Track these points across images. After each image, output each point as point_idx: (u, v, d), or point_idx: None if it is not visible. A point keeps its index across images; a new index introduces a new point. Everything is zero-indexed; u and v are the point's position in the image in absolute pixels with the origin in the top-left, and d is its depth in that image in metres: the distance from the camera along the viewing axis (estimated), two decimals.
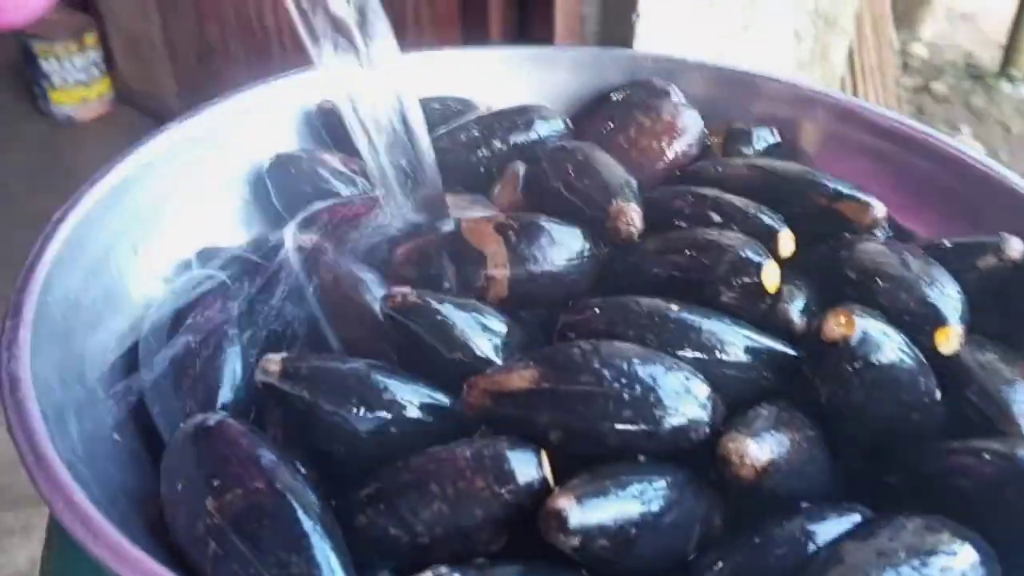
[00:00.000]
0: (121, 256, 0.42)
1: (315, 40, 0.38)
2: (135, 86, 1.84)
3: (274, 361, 0.35)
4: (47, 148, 1.73)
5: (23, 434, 0.30)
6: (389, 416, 0.35)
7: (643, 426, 0.33)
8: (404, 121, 0.43)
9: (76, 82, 1.79)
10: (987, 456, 0.33)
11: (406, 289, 0.38)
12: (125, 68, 1.85)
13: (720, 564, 0.31)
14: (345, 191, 0.48)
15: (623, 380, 0.34)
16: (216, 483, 0.31)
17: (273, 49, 1.48)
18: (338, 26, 0.40)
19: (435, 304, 0.38)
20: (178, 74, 1.70)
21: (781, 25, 1.24)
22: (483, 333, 0.38)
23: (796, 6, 1.24)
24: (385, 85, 0.42)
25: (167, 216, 0.45)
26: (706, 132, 0.52)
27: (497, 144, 0.50)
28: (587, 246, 0.43)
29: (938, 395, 0.36)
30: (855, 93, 1.66)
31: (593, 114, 0.55)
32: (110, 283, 0.41)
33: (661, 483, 0.32)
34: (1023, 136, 2.23)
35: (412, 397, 0.36)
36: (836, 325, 0.35)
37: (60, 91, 1.79)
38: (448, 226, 0.44)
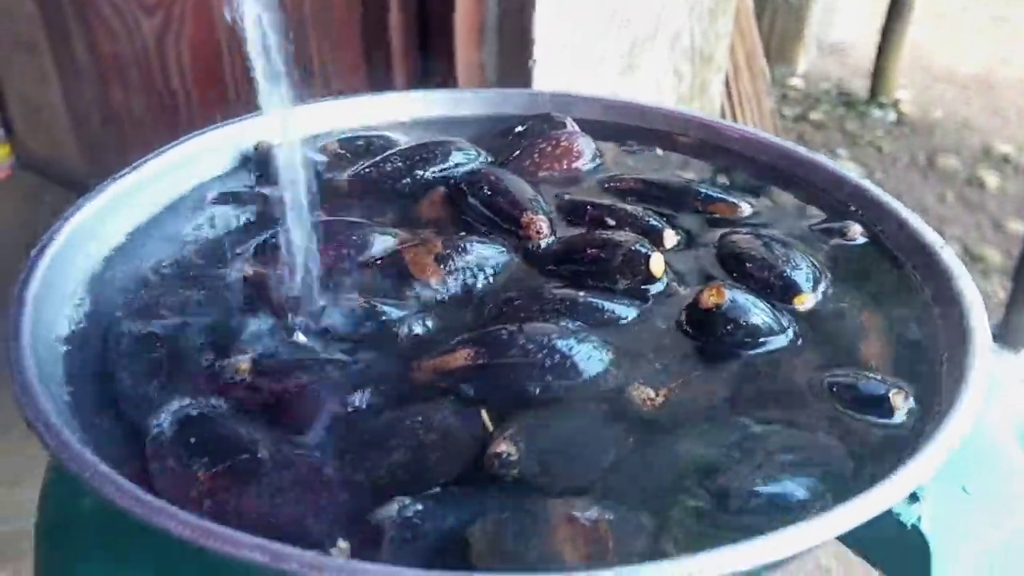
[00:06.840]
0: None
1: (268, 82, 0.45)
2: (37, 151, 1.83)
3: (244, 361, 0.41)
4: None
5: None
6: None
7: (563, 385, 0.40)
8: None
9: None
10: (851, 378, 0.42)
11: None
12: (26, 134, 1.84)
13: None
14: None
15: (544, 352, 0.41)
16: (205, 459, 0.36)
17: (180, 110, 1.50)
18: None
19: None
20: (81, 139, 1.70)
21: (662, 65, 1.37)
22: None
23: (673, 47, 1.36)
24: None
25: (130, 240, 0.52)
26: (599, 152, 0.61)
27: (419, 172, 0.57)
28: (511, 257, 0.50)
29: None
30: (734, 119, 1.81)
31: (502, 145, 0.63)
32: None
33: (580, 420, 0.40)
34: (894, 155, 2.46)
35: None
36: (709, 296, 0.43)
37: None
38: (390, 256, 0.50)
